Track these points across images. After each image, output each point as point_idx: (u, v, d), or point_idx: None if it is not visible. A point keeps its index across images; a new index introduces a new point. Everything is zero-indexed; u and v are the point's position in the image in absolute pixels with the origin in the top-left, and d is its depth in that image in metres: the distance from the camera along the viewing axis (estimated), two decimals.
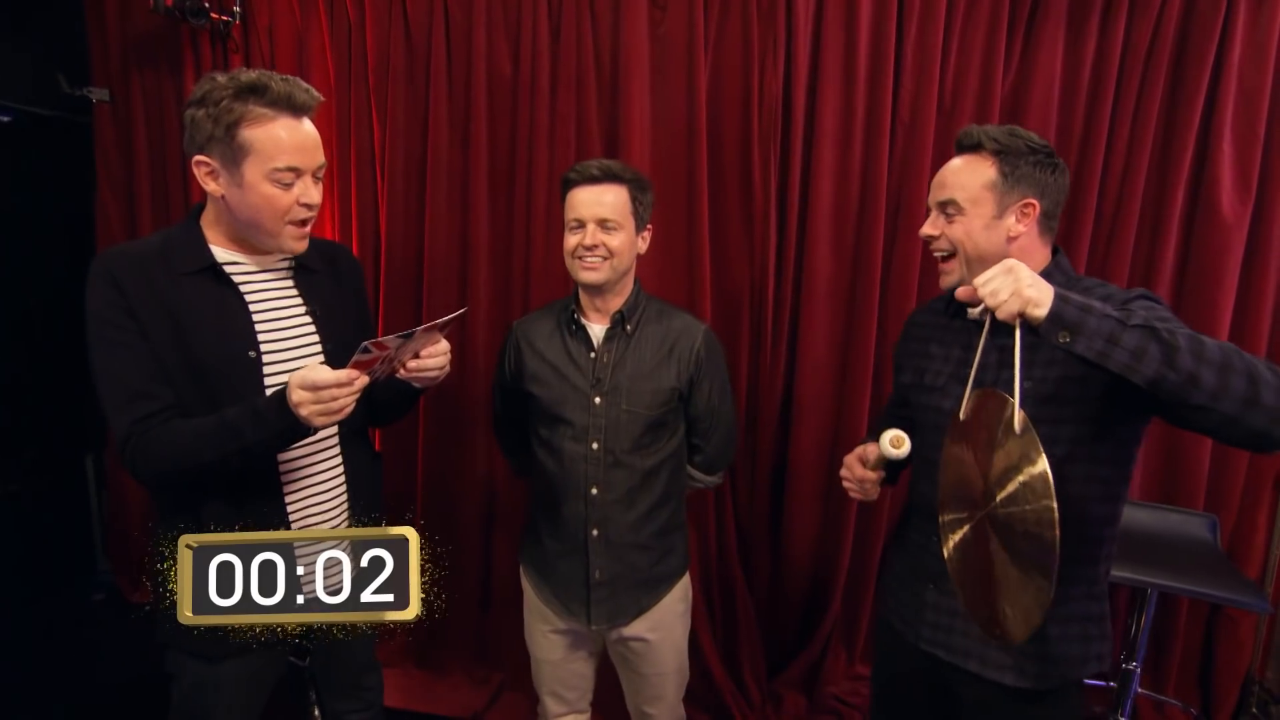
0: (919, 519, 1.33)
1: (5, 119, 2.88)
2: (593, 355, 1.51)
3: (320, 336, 1.33)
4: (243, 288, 1.25)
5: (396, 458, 2.42)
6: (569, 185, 1.50)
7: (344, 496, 1.37)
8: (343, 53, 2.27)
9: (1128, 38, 2.02)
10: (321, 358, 1.32)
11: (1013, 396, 0.97)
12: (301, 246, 1.25)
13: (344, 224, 2.36)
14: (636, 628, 1.57)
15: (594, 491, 1.50)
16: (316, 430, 1.14)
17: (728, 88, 2.15)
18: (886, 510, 2.26)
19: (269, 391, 1.24)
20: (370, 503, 1.42)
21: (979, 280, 0.97)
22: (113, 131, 2.42)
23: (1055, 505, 0.89)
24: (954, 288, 1.20)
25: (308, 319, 1.32)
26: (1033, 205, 1.18)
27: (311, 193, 1.21)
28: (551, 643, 1.63)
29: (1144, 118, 2.03)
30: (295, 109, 1.17)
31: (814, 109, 2.12)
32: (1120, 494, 1.21)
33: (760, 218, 2.17)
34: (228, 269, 1.24)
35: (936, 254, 1.25)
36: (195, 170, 1.18)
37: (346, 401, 1.11)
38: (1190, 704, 2.23)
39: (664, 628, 1.59)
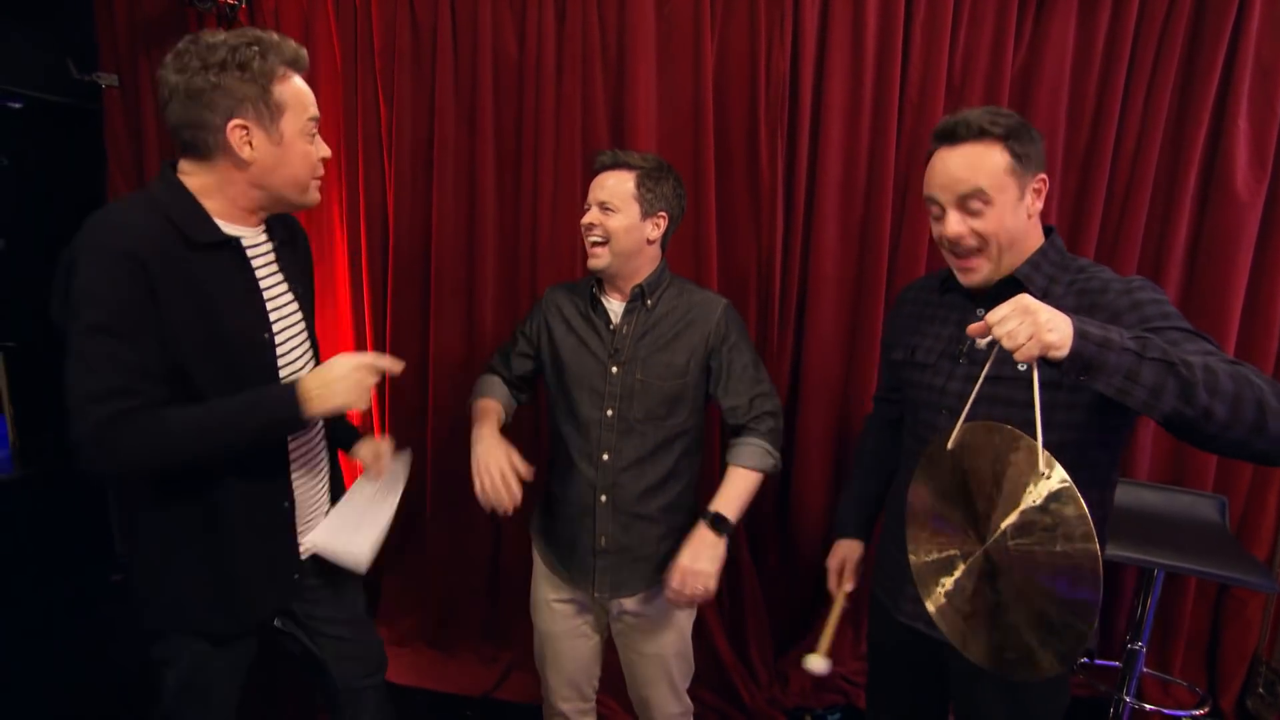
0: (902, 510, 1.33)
1: (16, 105, 2.90)
2: (611, 328, 1.56)
3: (304, 316, 1.36)
4: (254, 263, 1.25)
5: (406, 442, 2.43)
6: (593, 173, 1.57)
7: (327, 481, 1.45)
8: (348, 35, 2.26)
9: (1142, 12, 1.99)
10: (306, 337, 1.36)
11: (1030, 440, 0.94)
12: (319, 198, 1.28)
13: (351, 207, 2.37)
14: (641, 603, 1.59)
15: (605, 457, 1.54)
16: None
17: (734, 67, 2.13)
18: None
19: (282, 375, 1.26)
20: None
21: (993, 318, 0.93)
22: (122, 115, 2.43)
23: (1098, 548, 0.86)
24: (983, 284, 1.19)
25: (291, 298, 1.33)
26: (1044, 180, 1.17)
27: (325, 146, 1.25)
28: (556, 613, 1.66)
29: (1157, 94, 2.00)
30: (300, 66, 1.21)
31: (821, 88, 2.10)
32: (1110, 479, 1.21)
33: (767, 198, 2.16)
34: (245, 242, 1.22)
35: (959, 252, 1.19)
36: (230, 136, 1.12)
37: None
38: (1197, 684, 2.23)
39: (666, 607, 1.61)
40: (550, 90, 2.17)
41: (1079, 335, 0.89)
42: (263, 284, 1.25)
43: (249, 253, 1.23)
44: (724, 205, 2.20)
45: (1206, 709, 2.13)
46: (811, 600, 2.40)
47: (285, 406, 1.15)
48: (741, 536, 2.33)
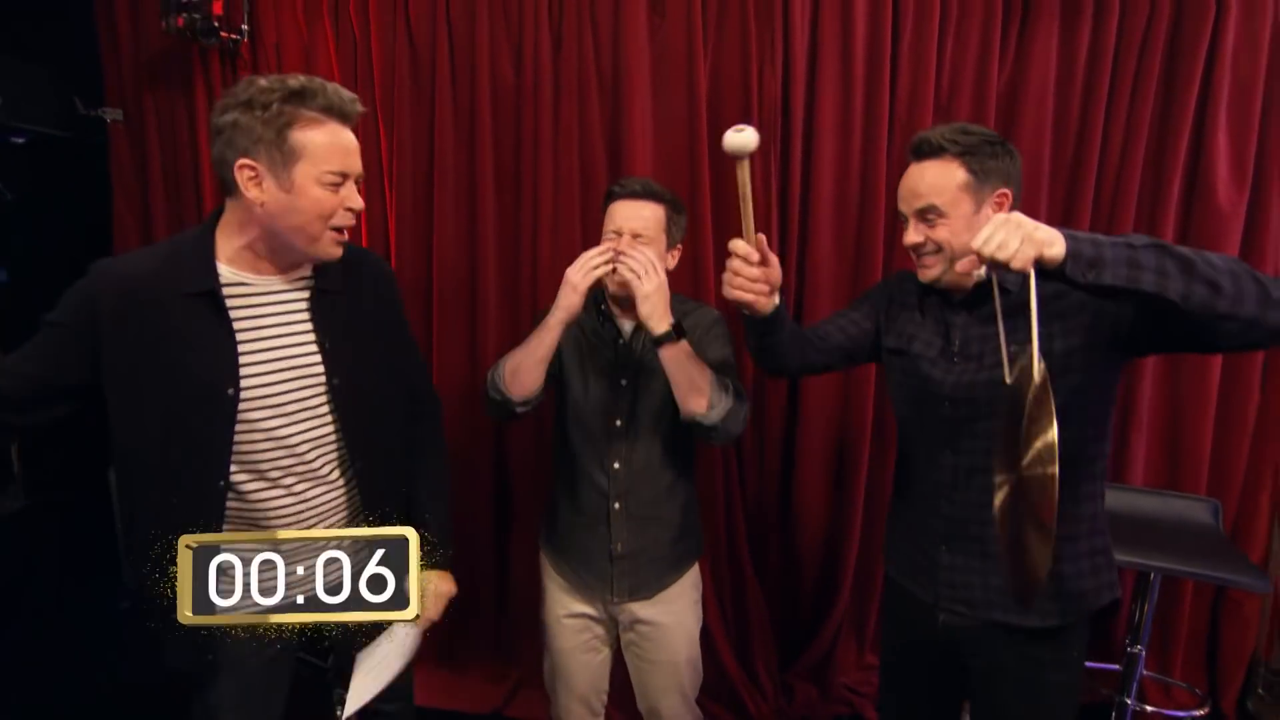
0: (920, 484, 1.37)
1: (19, 140, 2.95)
2: (622, 343, 1.59)
3: (326, 370, 1.27)
4: (240, 314, 1.19)
5: None
6: (612, 198, 1.57)
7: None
8: (349, 66, 2.31)
9: (1121, 30, 2.05)
10: (324, 392, 1.27)
11: (1028, 352, 0.97)
12: (338, 253, 1.22)
13: (353, 235, 2.40)
14: (652, 610, 1.63)
15: (617, 465, 1.58)
16: None
17: (727, 90, 2.18)
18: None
19: (238, 429, 1.19)
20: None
21: (977, 242, 0.95)
22: (127, 150, 2.47)
23: (1056, 471, 0.89)
24: (936, 280, 1.26)
25: (314, 350, 1.26)
26: (1005, 195, 1.23)
27: (356, 198, 1.20)
28: (567, 629, 1.68)
29: (1139, 110, 2.06)
30: (343, 116, 1.17)
31: (813, 108, 2.16)
32: (1106, 434, 1.28)
33: (762, 215, 2.20)
34: (229, 291, 1.18)
35: (917, 254, 1.29)
36: (238, 175, 1.13)
37: None
38: (1197, 686, 2.26)
39: (676, 613, 1.65)
40: (548, 115, 2.22)
41: (1069, 237, 0.92)
42: (253, 335, 1.20)
43: (239, 302, 1.19)
44: (720, 224, 2.24)
45: (1207, 709, 2.15)
46: (815, 612, 2.42)
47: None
48: (743, 544, 2.35)
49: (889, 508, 1.55)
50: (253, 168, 1.13)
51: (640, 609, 1.63)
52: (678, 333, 1.43)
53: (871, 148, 2.15)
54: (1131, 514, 2.06)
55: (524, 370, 1.49)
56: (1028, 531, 1.00)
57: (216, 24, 2.19)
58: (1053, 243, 0.92)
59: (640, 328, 1.56)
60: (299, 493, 1.28)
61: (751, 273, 1.19)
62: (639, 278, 1.41)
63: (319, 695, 1.55)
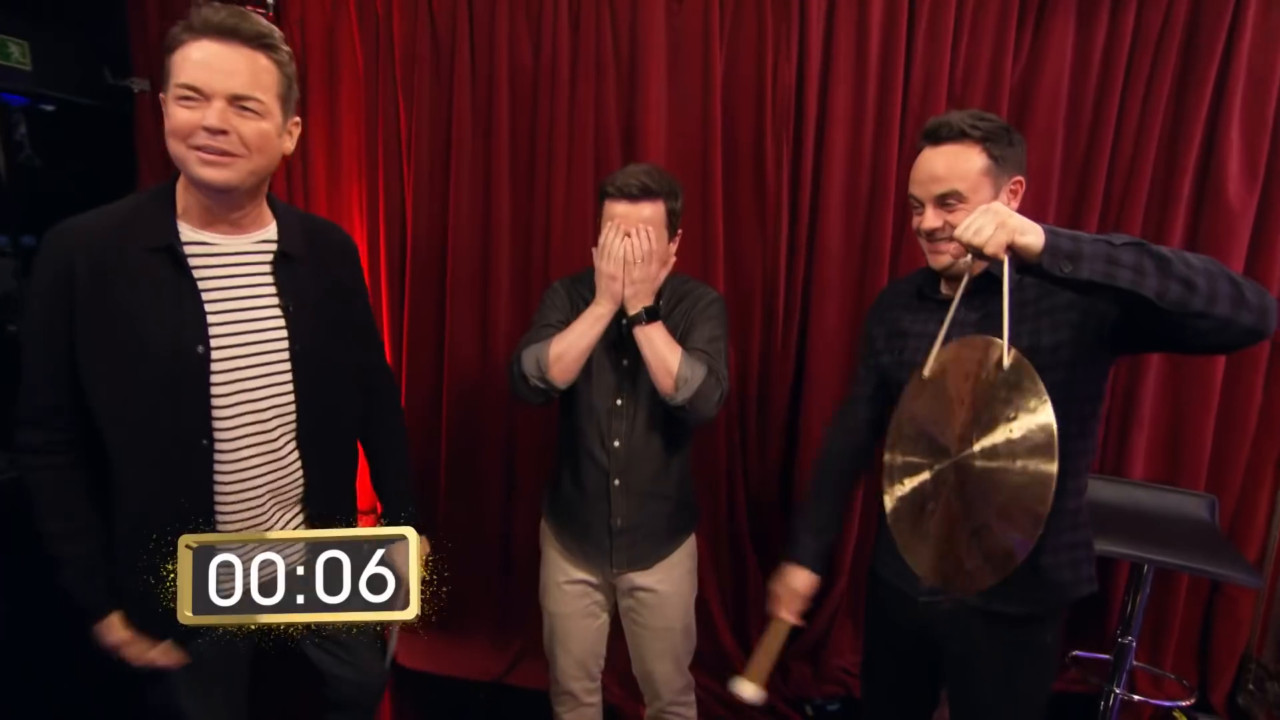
0: None
1: (49, 108, 3.01)
2: (625, 321, 1.57)
3: (289, 334, 1.25)
4: (203, 273, 1.18)
5: (420, 433, 2.53)
6: (606, 196, 1.54)
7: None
8: (371, 44, 2.35)
9: (1138, 25, 2.05)
10: (287, 358, 1.26)
11: (999, 340, 0.99)
12: (208, 176, 1.11)
13: (371, 211, 2.46)
14: (650, 578, 1.68)
15: (616, 444, 1.62)
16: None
17: (742, 77, 2.21)
18: None
19: (214, 390, 1.18)
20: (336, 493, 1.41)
21: (960, 229, 0.99)
22: (152, 119, 2.53)
23: (1055, 468, 0.90)
24: (947, 266, 1.26)
25: (278, 313, 1.25)
26: (1020, 183, 1.25)
27: (213, 117, 1.08)
28: (566, 594, 1.73)
29: (1152, 105, 2.07)
30: (219, 33, 1.08)
31: (826, 98, 2.18)
32: (1093, 430, 1.28)
33: (773, 204, 2.23)
34: (190, 249, 1.16)
35: (933, 239, 1.27)
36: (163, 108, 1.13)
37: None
38: (1188, 679, 2.29)
39: (673, 581, 1.70)
40: (564, 97, 2.25)
41: (1049, 231, 0.95)
42: (218, 294, 1.19)
43: (201, 260, 1.18)
44: (730, 210, 2.27)
45: (1193, 700, 2.18)
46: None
47: (93, 604, 1.23)
48: (744, 528, 2.40)
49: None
50: (162, 99, 1.13)
51: (638, 577, 1.68)
52: (650, 315, 1.50)
53: (884, 139, 2.17)
54: (1127, 507, 2.09)
55: (570, 358, 1.52)
56: (978, 521, 1.00)
57: None
58: (1026, 231, 0.95)
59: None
60: (257, 465, 1.26)
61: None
62: (635, 264, 1.47)
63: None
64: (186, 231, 1.18)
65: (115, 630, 1.23)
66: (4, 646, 2.45)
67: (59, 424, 1.17)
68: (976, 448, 1.01)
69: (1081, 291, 0.98)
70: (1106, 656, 2.09)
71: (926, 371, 1.13)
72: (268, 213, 1.28)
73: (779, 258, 2.26)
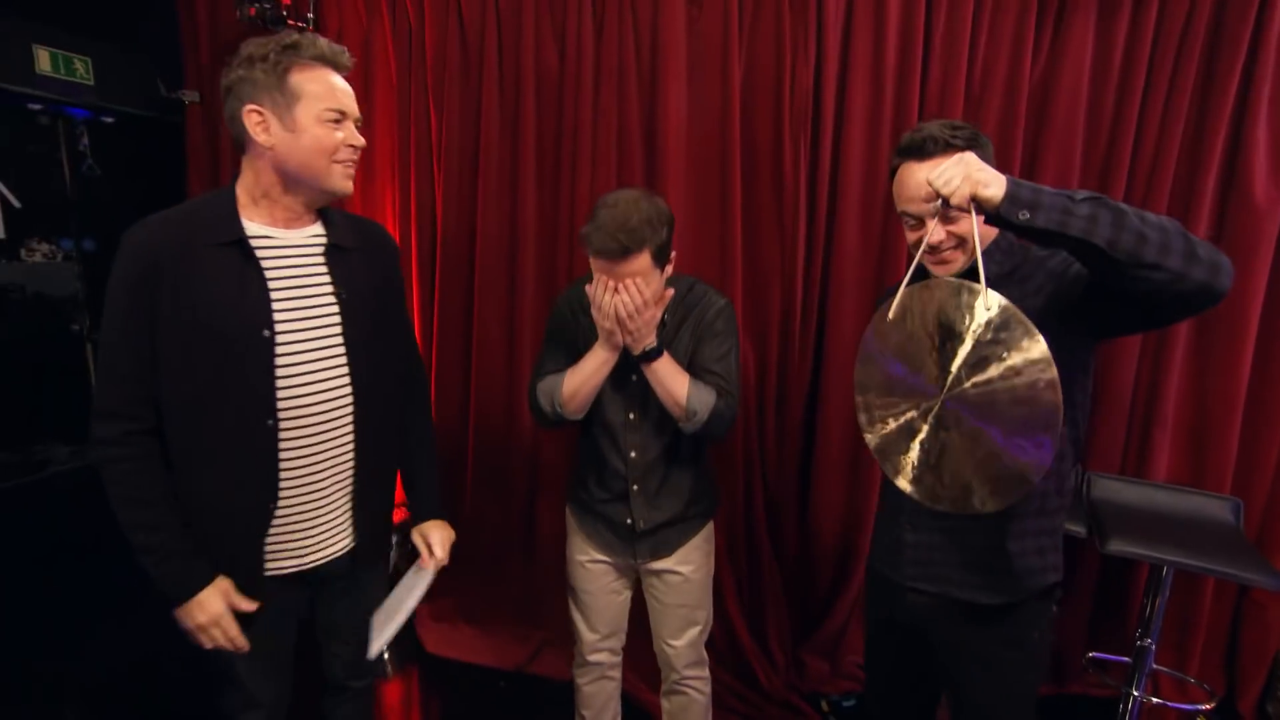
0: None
1: (109, 120, 3.20)
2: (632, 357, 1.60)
3: (343, 322, 1.36)
4: (268, 263, 1.28)
5: (448, 426, 2.62)
6: (590, 253, 1.48)
7: (350, 475, 1.44)
8: (404, 53, 2.46)
9: (1160, 22, 2.04)
10: (341, 343, 1.36)
11: (972, 284, 1.06)
12: (348, 186, 1.32)
13: (404, 211, 2.57)
14: (671, 561, 1.75)
15: (633, 454, 1.68)
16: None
17: (760, 80, 2.25)
18: None
19: (278, 371, 1.27)
20: (379, 488, 1.53)
21: (932, 176, 1.06)
22: (202, 129, 2.68)
23: (1055, 372, 0.98)
24: (960, 273, 1.26)
25: (333, 301, 1.35)
26: None
27: (356, 135, 1.31)
28: (590, 573, 1.81)
29: (1175, 102, 2.05)
30: (335, 65, 1.29)
31: (844, 99, 2.21)
32: (1073, 419, 1.27)
33: (790, 205, 2.27)
34: (255, 243, 1.27)
35: (940, 252, 1.26)
36: (246, 121, 1.23)
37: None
38: (1214, 685, 2.24)
39: (694, 563, 1.76)
40: (588, 101, 2.33)
41: (1012, 182, 1.01)
42: (281, 283, 1.29)
43: (266, 253, 1.29)
44: (749, 211, 2.31)
45: (1213, 704, 2.14)
46: (830, 591, 2.48)
47: (174, 589, 1.29)
48: (761, 526, 2.43)
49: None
50: (259, 112, 1.24)
51: (660, 563, 1.75)
52: (654, 353, 1.54)
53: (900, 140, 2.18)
54: (1148, 508, 2.06)
55: (582, 396, 1.60)
56: (985, 446, 1.07)
57: (285, 13, 2.37)
58: (989, 184, 1.00)
59: None
60: (316, 445, 1.36)
61: None
62: (629, 318, 1.48)
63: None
64: (251, 227, 1.29)
65: (201, 610, 1.30)
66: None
67: (137, 414, 1.25)
68: (969, 384, 1.07)
69: (1041, 241, 1.04)
70: (1126, 659, 2.06)
71: (891, 314, 1.18)
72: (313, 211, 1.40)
73: (797, 258, 2.29)
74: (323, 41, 1.28)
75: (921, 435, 1.16)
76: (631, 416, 1.66)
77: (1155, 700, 2.12)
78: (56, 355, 3.10)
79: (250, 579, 1.35)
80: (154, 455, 1.28)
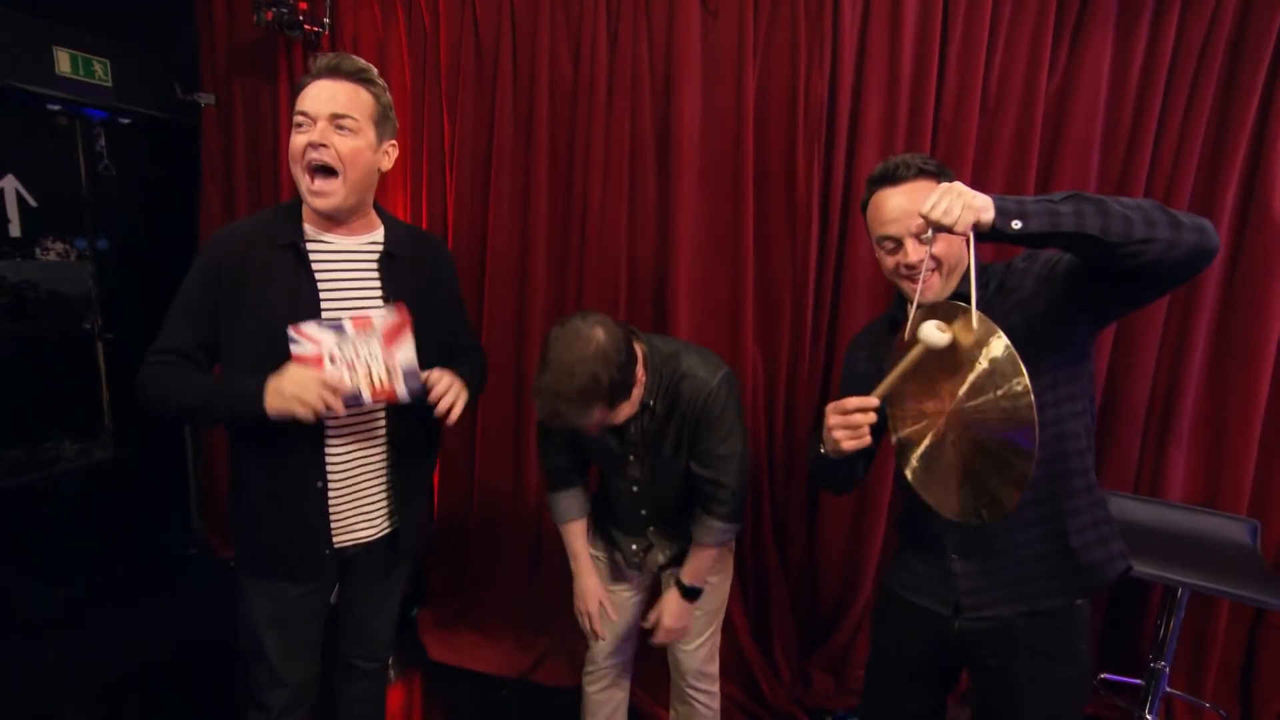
0: (923, 506, 1.39)
1: (126, 121, 3.23)
2: (631, 428, 1.59)
3: None
4: (321, 265, 1.39)
5: (454, 438, 2.61)
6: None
7: (384, 459, 1.51)
8: (419, 58, 2.47)
9: (1179, 37, 2.02)
10: None
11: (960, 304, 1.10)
12: (319, 204, 1.35)
13: (415, 213, 2.57)
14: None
15: (643, 512, 1.73)
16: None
17: (774, 90, 2.24)
18: None
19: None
20: (414, 473, 1.58)
21: (925, 208, 1.07)
22: (216, 131, 2.70)
23: (1026, 378, 1.02)
24: (933, 299, 1.27)
25: (379, 301, 1.45)
26: None
27: (319, 134, 1.31)
28: (601, 567, 1.84)
29: (1194, 119, 2.03)
30: (330, 73, 1.34)
31: (858, 110, 2.19)
32: (1089, 409, 1.31)
33: (803, 214, 2.25)
34: (311, 246, 1.39)
35: (915, 276, 1.27)
36: None
37: (312, 399, 1.26)
38: (1229, 710, 2.20)
39: (716, 572, 1.78)
40: (601, 110, 2.32)
41: (998, 199, 1.06)
42: (332, 285, 1.40)
43: (321, 257, 1.40)
44: (761, 220, 2.30)
45: None
46: (837, 606, 2.45)
47: (247, 396, 1.29)
48: (768, 538, 2.41)
49: (898, 528, 1.57)
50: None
51: (676, 570, 1.76)
52: (693, 595, 1.71)
53: (915, 151, 2.16)
54: (1163, 529, 2.03)
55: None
56: (988, 454, 1.11)
57: (301, 18, 2.38)
58: (986, 209, 1.05)
59: (640, 415, 1.57)
60: (355, 436, 1.46)
61: (864, 420, 1.19)
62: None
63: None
64: (310, 232, 1.41)
65: (284, 383, 1.28)
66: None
67: (177, 358, 1.34)
68: (961, 392, 1.13)
69: (1031, 244, 1.08)
70: (1138, 681, 2.03)
71: (908, 335, 1.20)
72: (376, 219, 1.50)
73: (809, 268, 2.28)
74: (327, 56, 1.36)
75: (926, 444, 1.20)
76: (635, 490, 1.70)
77: None
78: (68, 353, 3.12)
79: (315, 556, 1.46)
80: (195, 367, 1.36)
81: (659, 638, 1.72)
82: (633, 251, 2.38)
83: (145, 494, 3.35)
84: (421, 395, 1.41)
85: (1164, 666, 1.94)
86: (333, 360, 1.32)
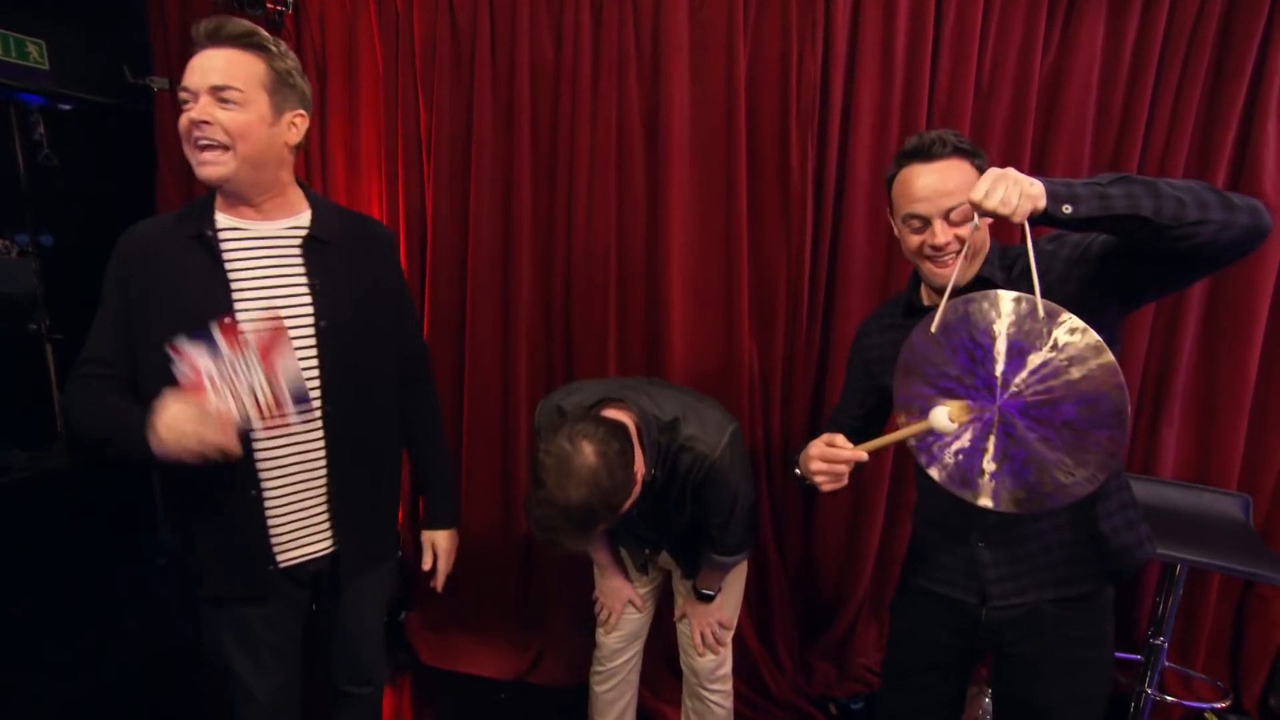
0: (946, 493, 1.37)
1: (66, 107, 3.01)
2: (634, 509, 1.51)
3: (315, 310, 1.32)
4: (233, 254, 1.27)
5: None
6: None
7: (324, 465, 1.37)
8: (390, 39, 2.34)
9: (1171, 18, 2.02)
10: (313, 334, 1.32)
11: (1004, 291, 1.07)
12: (205, 173, 1.23)
13: (390, 206, 2.45)
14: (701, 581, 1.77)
15: (647, 552, 1.77)
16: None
17: (766, 71, 2.18)
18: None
19: None
20: (363, 480, 1.43)
21: (978, 194, 1.01)
22: (172, 117, 2.51)
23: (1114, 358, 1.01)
24: (949, 279, 1.22)
25: (305, 291, 1.32)
26: None
27: (195, 110, 1.20)
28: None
29: (1185, 99, 2.03)
30: (207, 39, 1.22)
31: (851, 92, 2.15)
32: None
33: (797, 199, 2.21)
34: (223, 235, 1.27)
35: (939, 258, 1.24)
36: None
37: (206, 436, 1.12)
38: (1220, 680, 2.26)
39: (725, 581, 1.77)
40: (586, 93, 2.23)
41: (1046, 182, 1.02)
42: (245, 273, 1.28)
43: (233, 244, 1.28)
44: (754, 206, 2.25)
45: (1228, 703, 2.16)
46: (836, 595, 2.45)
47: (133, 435, 1.15)
48: (768, 533, 2.38)
49: (913, 517, 1.54)
50: None
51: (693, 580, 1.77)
52: (709, 599, 1.75)
53: (909, 133, 2.09)
54: (1158, 505, 2.06)
55: None
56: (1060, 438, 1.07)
57: None
58: (1041, 196, 1.01)
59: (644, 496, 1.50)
60: (286, 439, 1.32)
61: (848, 469, 1.23)
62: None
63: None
64: (222, 219, 1.30)
65: (161, 425, 1.13)
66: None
67: (102, 369, 1.27)
68: (1018, 381, 1.07)
69: (1082, 229, 1.05)
70: (1137, 657, 2.06)
71: (934, 327, 1.15)
72: (301, 201, 1.38)
73: (803, 252, 2.23)
74: (204, 22, 1.23)
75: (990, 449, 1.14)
76: (646, 552, 1.77)
77: (1169, 699, 2.12)
78: (13, 357, 2.94)
79: (257, 572, 1.35)
80: (106, 389, 1.26)
81: (701, 645, 1.77)
82: (622, 240, 2.30)
83: (105, 504, 3.18)
84: (309, 408, 1.30)
85: (1163, 642, 1.97)
86: (214, 385, 1.15)
